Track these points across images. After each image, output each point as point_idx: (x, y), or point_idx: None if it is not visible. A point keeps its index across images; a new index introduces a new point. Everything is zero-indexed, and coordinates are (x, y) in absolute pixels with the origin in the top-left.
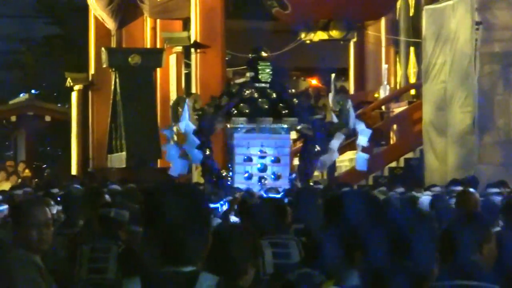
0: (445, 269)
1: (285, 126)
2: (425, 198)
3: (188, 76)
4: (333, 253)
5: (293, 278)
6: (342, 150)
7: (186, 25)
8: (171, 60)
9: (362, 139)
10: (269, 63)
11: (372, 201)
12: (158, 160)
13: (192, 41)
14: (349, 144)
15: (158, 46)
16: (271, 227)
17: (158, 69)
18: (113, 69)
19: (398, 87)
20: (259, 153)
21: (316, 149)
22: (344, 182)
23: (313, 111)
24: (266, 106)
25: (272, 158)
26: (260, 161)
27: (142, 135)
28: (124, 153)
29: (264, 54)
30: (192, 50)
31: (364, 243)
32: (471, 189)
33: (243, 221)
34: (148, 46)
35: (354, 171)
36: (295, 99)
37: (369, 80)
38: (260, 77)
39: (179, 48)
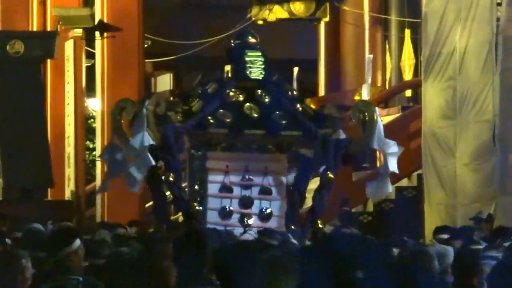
0: None
1: (283, 142)
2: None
3: (91, 71)
4: None
5: None
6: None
7: None
8: (68, 48)
9: (392, 163)
10: (260, 53)
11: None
12: (49, 191)
13: (96, 21)
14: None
15: (48, 28)
16: None
17: (48, 61)
18: None
19: (387, 86)
20: (242, 180)
21: (328, 176)
22: None
23: (323, 122)
24: (256, 115)
25: (261, 188)
26: (244, 192)
27: (26, 154)
28: None
29: (252, 39)
30: (97, 34)
31: None
32: None
33: None
34: (35, 28)
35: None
36: (298, 105)
37: (347, 77)
38: (247, 72)
39: (78, 32)
